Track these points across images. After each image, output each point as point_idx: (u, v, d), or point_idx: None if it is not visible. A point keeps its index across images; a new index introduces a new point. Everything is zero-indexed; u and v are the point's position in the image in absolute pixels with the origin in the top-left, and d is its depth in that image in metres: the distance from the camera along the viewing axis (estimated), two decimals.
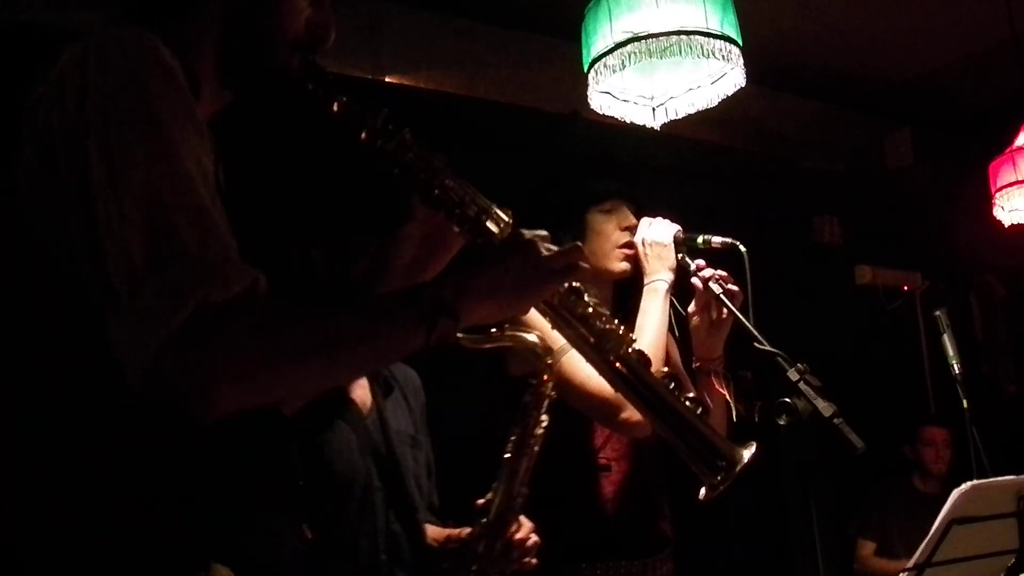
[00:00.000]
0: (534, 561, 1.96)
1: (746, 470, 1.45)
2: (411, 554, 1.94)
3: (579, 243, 1.44)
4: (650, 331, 2.31)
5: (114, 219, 1.03)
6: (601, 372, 1.52)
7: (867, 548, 4.46)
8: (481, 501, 1.90)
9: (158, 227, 1.03)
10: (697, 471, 1.48)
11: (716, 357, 2.40)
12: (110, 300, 1.02)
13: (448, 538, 2.00)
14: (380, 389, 2.08)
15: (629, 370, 1.47)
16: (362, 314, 1.19)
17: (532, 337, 1.89)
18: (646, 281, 2.36)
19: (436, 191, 1.42)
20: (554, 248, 1.37)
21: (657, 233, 2.37)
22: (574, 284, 1.43)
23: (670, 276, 2.35)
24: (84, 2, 3.04)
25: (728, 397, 2.39)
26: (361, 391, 2.06)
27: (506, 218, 1.46)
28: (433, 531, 2.04)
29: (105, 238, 1.03)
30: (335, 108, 1.38)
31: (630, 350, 1.48)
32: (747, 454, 1.46)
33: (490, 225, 1.43)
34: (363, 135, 1.40)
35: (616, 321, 1.49)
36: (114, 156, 1.05)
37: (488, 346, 1.88)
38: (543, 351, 1.89)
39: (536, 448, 1.91)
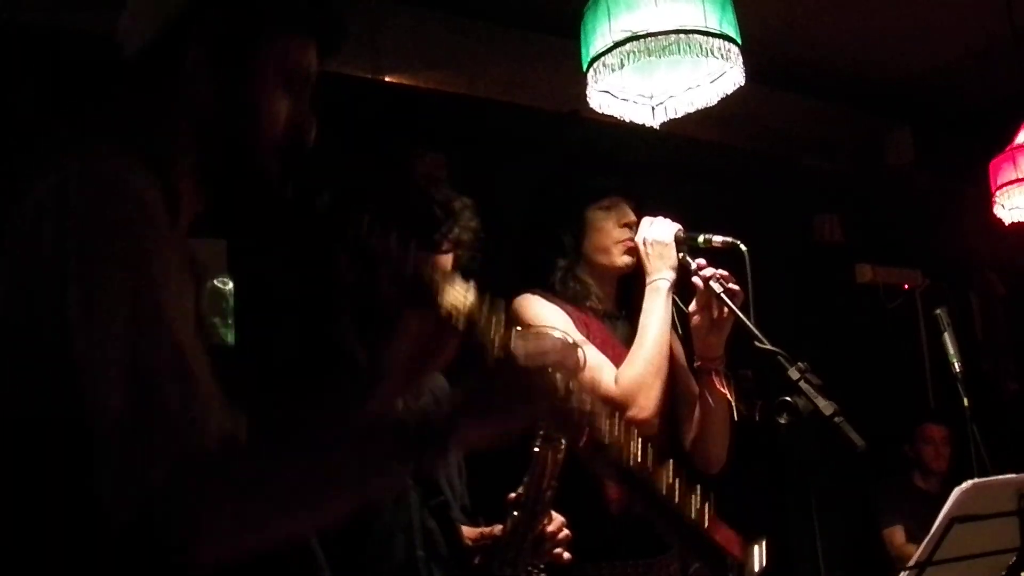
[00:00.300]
0: (566, 555, 1.98)
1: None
2: (447, 551, 1.96)
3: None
4: (653, 330, 2.31)
5: (96, 366, 1.01)
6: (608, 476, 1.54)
7: (897, 534, 4.39)
8: (512, 495, 1.94)
9: (140, 380, 1.01)
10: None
11: (717, 356, 2.40)
12: (90, 442, 1.00)
13: (481, 535, 2.03)
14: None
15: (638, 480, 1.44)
16: (347, 456, 1.14)
17: (559, 333, 1.93)
18: (648, 280, 2.36)
19: (419, 289, 1.37)
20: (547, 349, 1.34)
21: (658, 232, 2.38)
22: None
23: (672, 275, 2.35)
24: (83, 3, 3.04)
25: (729, 396, 2.39)
26: None
27: (469, 298, 1.39)
28: (467, 531, 2.06)
29: (86, 386, 1.01)
30: (318, 209, 1.34)
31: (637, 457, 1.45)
32: (756, 560, 1.43)
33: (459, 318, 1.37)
34: (348, 233, 1.36)
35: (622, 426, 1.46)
36: (94, 303, 1.03)
37: None
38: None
39: (564, 440, 1.95)
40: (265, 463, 1.09)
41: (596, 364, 2.32)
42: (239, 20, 1.23)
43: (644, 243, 2.38)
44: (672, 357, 2.58)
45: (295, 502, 1.08)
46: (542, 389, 1.27)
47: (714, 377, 2.39)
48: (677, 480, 1.44)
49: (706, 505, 1.43)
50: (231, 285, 3.32)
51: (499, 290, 2.48)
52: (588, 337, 2.39)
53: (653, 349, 2.33)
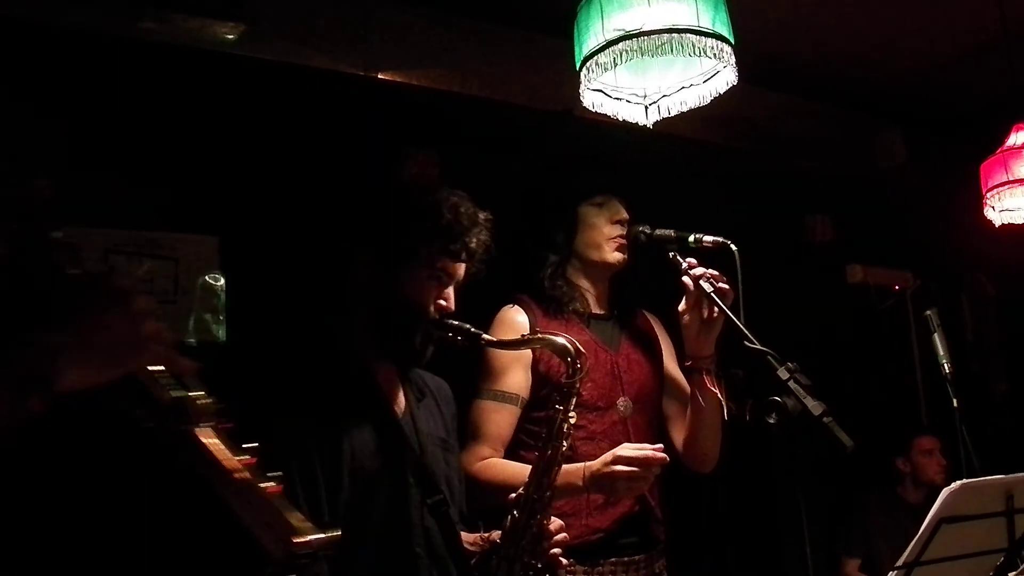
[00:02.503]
0: (564, 560, 2.00)
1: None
2: (446, 549, 1.98)
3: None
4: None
5: None
6: None
7: (851, 565, 4.46)
8: (513, 495, 1.96)
9: None
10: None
11: (707, 355, 2.41)
12: None
13: (480, 539, 2.07)
14: (414, 394, 2.12)
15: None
16: None
17: (562, 339, 2.01)
18: (585, 472, 2.21)
19: None
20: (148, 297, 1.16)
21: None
22: None
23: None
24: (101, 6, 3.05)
25: (720, 396, 2.40)
26: (395, 392, 2.09)
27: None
28: (466, 536, 2.09)
29: None
30: None
31: None
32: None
33: None
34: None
35: None
36: None
37: (521, 348, 2.04)
38: (574, 352, 2.02)
39: (565, 442, 1.98)
40: None
41: (486, 430, 2.38)
42: None
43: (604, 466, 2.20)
44: (663, 360, 2.60)
45: None
46: (151, 332, 1.13)
47: (705, 376, 2.40)
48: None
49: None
50: (222, 282, 3.33)
51: (491, 288, 2.50)
52: None
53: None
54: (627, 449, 2.14)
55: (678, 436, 2.57)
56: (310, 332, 2.09)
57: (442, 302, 1.98)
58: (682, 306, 2.38)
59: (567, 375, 2.04)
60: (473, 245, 1.99)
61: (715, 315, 2.32)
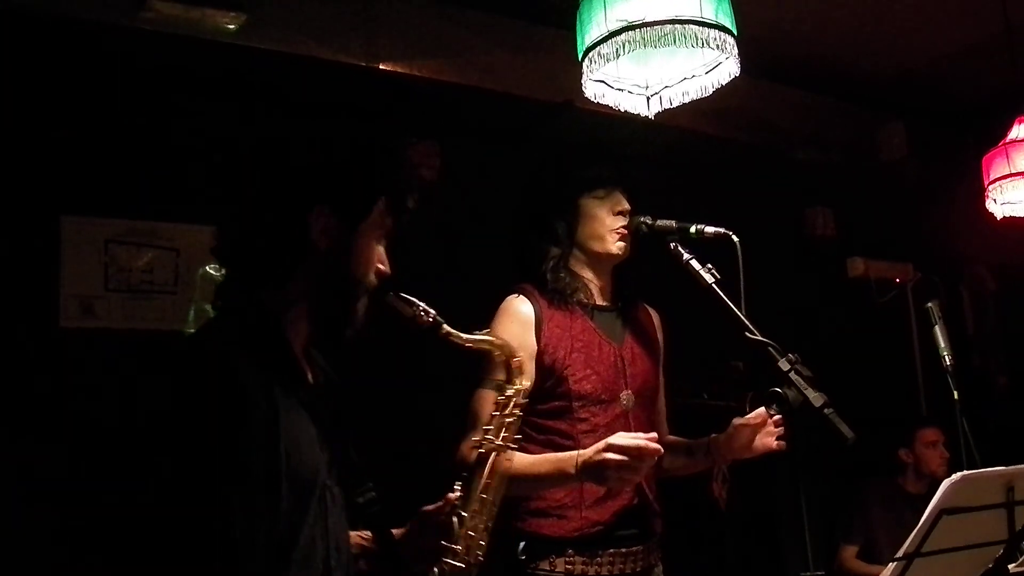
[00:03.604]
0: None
1: None
2: (379, 549, 1.80)
3: None
4: (535, 471, 2.26)
5: None
6: None
7: (849, 551, 4.46)
8: (452, 495, 1.88)
9: None
10: None
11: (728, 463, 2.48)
12: None
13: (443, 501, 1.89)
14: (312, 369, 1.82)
15: None
16: None
17: (518, 357, 2.00)
18: (578, 460, 2.18)
19: None
20: None
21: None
22: None
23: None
24: None
25: (721, 498, 2.46)
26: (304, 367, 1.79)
27: None
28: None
29: None
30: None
31: None
32: None
33: None
34: None
35: None
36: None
37: (481, 346, 1.98)
38: (519, 371, 2.07)
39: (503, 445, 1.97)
40: None
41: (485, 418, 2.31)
42: None
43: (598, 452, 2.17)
44: (661, 357, 2.61)
45: None
46: None
47: (716, 482, 2.47)
48: None
49: None
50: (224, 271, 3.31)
51: (493, 278, 2.50)
52: (566, 333, 2.40)
53: (518, 480, 2.19)
54: (621, 437, 2.12)
55: None
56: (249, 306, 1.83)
57: (381, 266, 1.75)
58: (741, 421, 2.40)
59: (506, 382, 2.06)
60: (411, 205, 1.78)
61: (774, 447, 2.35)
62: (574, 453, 2.19)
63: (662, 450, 2.11)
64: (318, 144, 1.75)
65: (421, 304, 1.87)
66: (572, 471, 2.16)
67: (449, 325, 1.90)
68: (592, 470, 2.12)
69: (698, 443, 2.52)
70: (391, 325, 1.82)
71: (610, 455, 2.08)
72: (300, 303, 1.69)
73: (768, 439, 2.36)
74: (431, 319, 1.87)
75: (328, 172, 1.71)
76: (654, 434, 2.17)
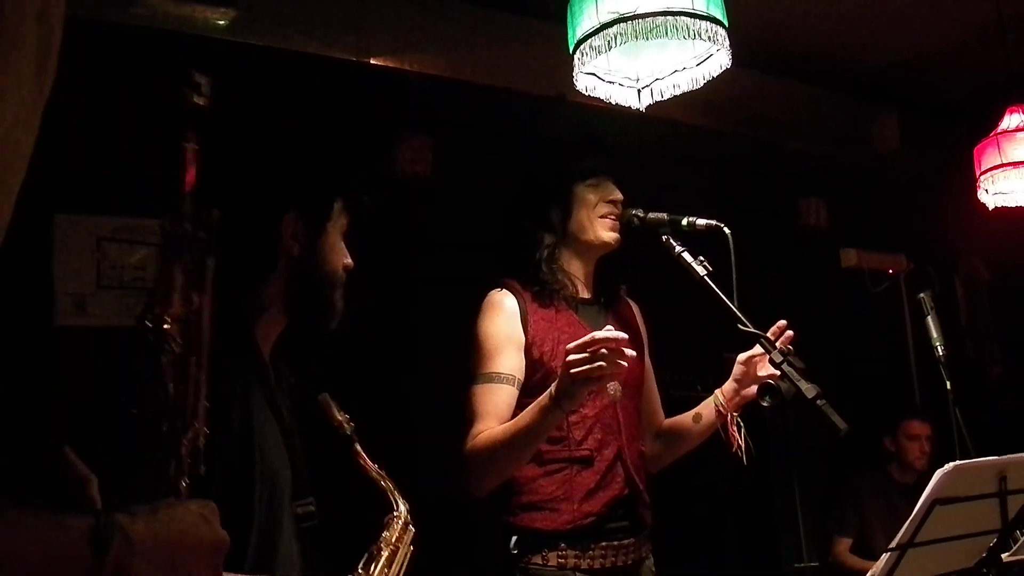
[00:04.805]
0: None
1: None
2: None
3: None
4: (522, 429, 2.22)
5: None
6: None
7: (842, 544, 4.46)
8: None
9: None
10: None
11: (738, 409, 2.45)
12: None
13: None
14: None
15: None
16: None
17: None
18: (551, 392, 2.15)
19: None
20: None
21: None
22: None
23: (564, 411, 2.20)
24: None
25: (742, 443, 2.43)
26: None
27: None
28: None
29: None
30: None
31: None
32: None
33: None
34: None
35: None
36: None
37: (372, 473, 1.90)
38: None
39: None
40: None
41: (482, 410, 2.33)
42: None
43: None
44: (644, 375, 2.61)
45: None
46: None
47: (732, 426, 2.44)
48: None
49: None
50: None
51: (484, 272, 2.50)
52: (552, 327, 2.40)
53: (511, 442, 2.24)
54: (572, 343, 2.06)
55: (642, 433, 2.59)
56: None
57: (347, 260, 1.85)
58: (745, 356, 2.39)
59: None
60: (367, 201, 1.89)
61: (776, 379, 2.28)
62: (546, 392, 2.16)
63: (622, 335, 2.04)
64: (281, 150, 1.84)
65: (346, 415, 1.91)
66: (548, 401, 2.12)
67: (362, 447, 1.90)
68: (563, 387, 2.07)
69: (702, 405, 2.52)
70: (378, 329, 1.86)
71: (569, 358, 2.05)
72: (271, 308, 1.78)
73: (764, 371, 2.35)
74: (348, 432, 1.90)
75: (294, 180, 1.80)
76: (608, 327, 2.17)
